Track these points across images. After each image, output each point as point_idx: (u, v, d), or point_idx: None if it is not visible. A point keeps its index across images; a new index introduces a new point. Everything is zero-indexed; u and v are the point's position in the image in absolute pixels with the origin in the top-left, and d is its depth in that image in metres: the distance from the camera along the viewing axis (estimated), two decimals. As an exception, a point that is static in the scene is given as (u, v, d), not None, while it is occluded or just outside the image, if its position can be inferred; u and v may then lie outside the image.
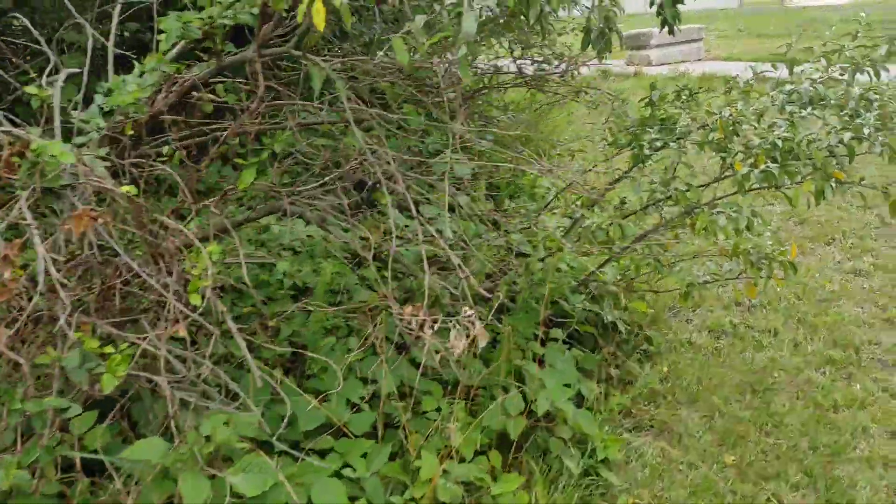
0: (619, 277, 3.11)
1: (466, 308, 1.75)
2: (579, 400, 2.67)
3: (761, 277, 2.65)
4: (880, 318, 3.51)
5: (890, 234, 4.50)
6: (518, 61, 5.55)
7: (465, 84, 1.52)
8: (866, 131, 2.21)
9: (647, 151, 2.51)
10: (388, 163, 2.10)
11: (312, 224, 2.35)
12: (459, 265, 1.82)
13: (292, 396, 2.02)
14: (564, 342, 2.85)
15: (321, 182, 2.08)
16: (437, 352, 1.77)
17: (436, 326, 1.73)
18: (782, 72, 2.70)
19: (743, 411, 2.77)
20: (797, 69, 2.59)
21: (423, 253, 1.88)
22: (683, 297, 2.74)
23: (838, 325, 3.44)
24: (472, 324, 1.72)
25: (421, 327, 1.74)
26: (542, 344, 2.78)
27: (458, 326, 1.73)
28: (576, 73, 5.67)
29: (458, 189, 3.12)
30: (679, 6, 3.42)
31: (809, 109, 2.37)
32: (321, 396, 2.09)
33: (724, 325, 3.45)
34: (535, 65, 5.59)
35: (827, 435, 2.63)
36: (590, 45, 2.25)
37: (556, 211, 3.25)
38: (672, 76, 11.80)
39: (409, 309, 1.79)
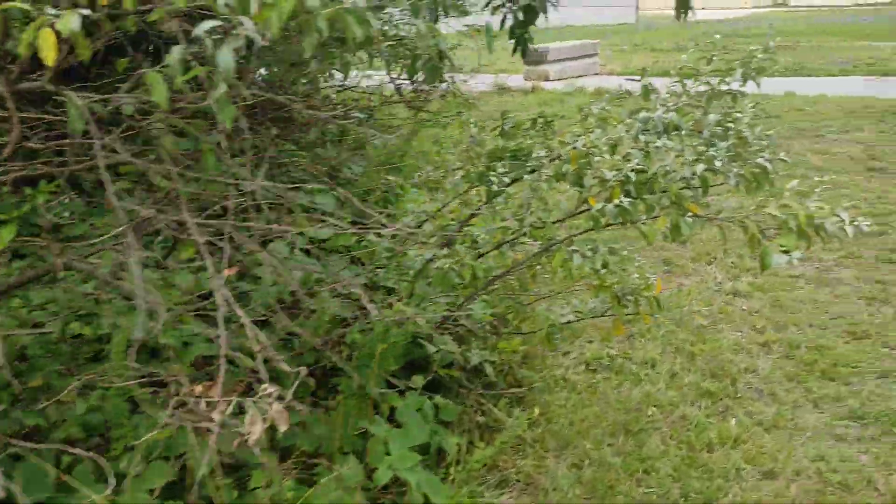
0: (489, 314, 2.91)
1: (266, 385, 1.48)
2: (440, 457, 2.44)
3: (627, 314, 2.50)
4: (757, 342, 3.44)
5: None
6: (396, 81, 5.34)
7: (228, 123, 1.26)
8: (718, 163, 2.07)
9: (495, 187, 2.31)
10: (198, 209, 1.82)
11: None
12: (257, 336, 1.55)
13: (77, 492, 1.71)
14: (427, 389, 2.63)
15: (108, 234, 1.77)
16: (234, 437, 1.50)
17: (228, 409, 1.46)
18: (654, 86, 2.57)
19: (614, 457, 2.60)
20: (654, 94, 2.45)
21: (220, 315, 1.60)
22: (546, 340, 2.56)
23: (716, 352, 3.34)
24: (272, 404, 1.46)
25: (212, 410, 1.47)
26: (402, 394, 2.55)
27: (254, 407, 1.46)
28: (457, 92, 5.51)
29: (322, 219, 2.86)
30: (534, 25, 3.29)
31: (664, 139, 2.22)
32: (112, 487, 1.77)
33: (602, 357, 3.30)
34: (415, 84, 5.39)
35: (699, 480, 2.48)
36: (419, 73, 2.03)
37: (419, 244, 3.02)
38: (568, 91, 11.90)
39: (199, 387, 1.52)
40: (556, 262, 2.20)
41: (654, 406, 2.91)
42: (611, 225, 2.20)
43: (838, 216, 2.03)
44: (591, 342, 3.43)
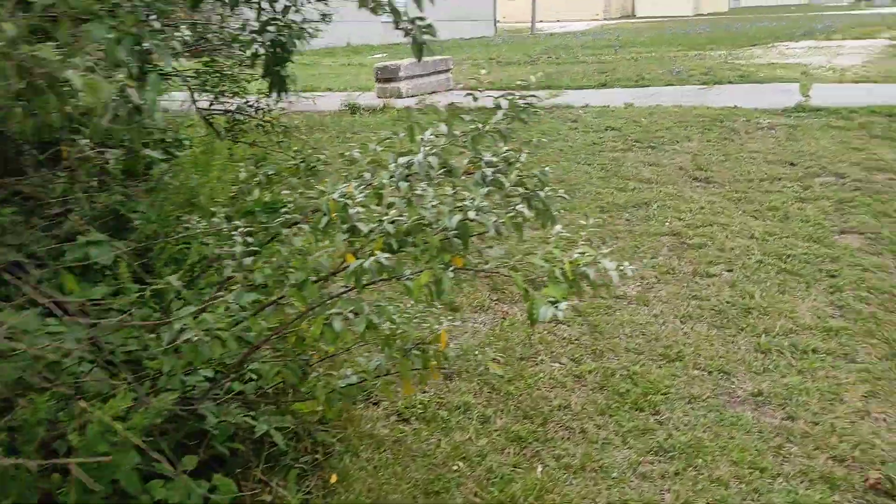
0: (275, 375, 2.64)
1: None
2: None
3: (414, 371, 2.31)
4: (573, 374, 3.36)
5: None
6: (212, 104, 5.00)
7: None
8: (472, 214, 1.91)
9: (241, 248, 2.07)
10: None
11: None
12: None
13: None
14: (205, 468, 2.34)
15: None
16: None
17: None
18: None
19: (412, 525, 2.41)
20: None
21: None
22: (328, 407, 2.33)
23: (532, 388, 3.23)
24: None
25: None
26: (169, 480, 2.24)
27: None
28: (274, 117, 5.22)
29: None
30: (428, 36, 3.06)
31: (425, 185, 2.04)
32: None
33: (415, 404, 3.12)
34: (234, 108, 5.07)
35: (499, 543, 2.33)
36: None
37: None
38: (420, 109, 11.82)
39: None
40: (314, 330, 1.97)
41: (462, 459, 2.75)
42: (372, 283, 2.00)
43: (601, 263, 1.92)
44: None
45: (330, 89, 15.72)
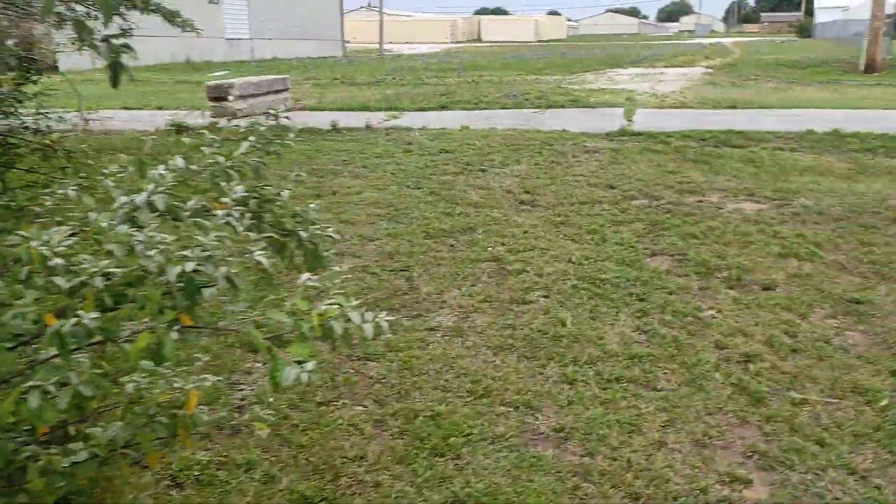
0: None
1: None
2: None
3: (159, 439, 1.99)
4: (374, 418, 3.13)
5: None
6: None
7: None
8: (194, 264, 1.64)
9: None
10: None
11: None
12: None
13: None
14: None
15: None
16: None
17: None
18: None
19: None
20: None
21: None
22: (47, 494, 1.96)
23: (327, 438, 2.97)
24: None
25: None
26: None
27: None
28: (53, 140, 4.68)
29: None
30: (129, 56, 2.67)
31: (148, 229, 1.74)
32: None
33: (192, 465, 2.77)
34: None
35: None
36: None
37: None
38: (248, 129, 11.27)
39: None
40: (6, 407, 1.62)
41: (234, 532, 2.44)
42: (78, 349, 1.67)
43: (349, 316, 1.70)
44: (175, 450, 2.86)
45: (161, 108, 14.83)
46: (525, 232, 5.80)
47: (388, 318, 1.74)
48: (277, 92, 14.31)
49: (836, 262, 4.96)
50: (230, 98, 13.25)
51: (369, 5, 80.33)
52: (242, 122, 12.06)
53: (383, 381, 3.47)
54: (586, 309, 4.26)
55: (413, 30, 77.25)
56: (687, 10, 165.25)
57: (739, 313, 4.16)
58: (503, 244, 5.49)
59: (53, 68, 6.57)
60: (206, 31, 31.83)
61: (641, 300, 4.37)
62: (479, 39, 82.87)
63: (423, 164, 8.37)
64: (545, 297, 4.49)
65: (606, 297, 4.43)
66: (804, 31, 73.91)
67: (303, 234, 2.00)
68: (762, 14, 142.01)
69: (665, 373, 3.49)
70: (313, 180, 7.59)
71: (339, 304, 1.69)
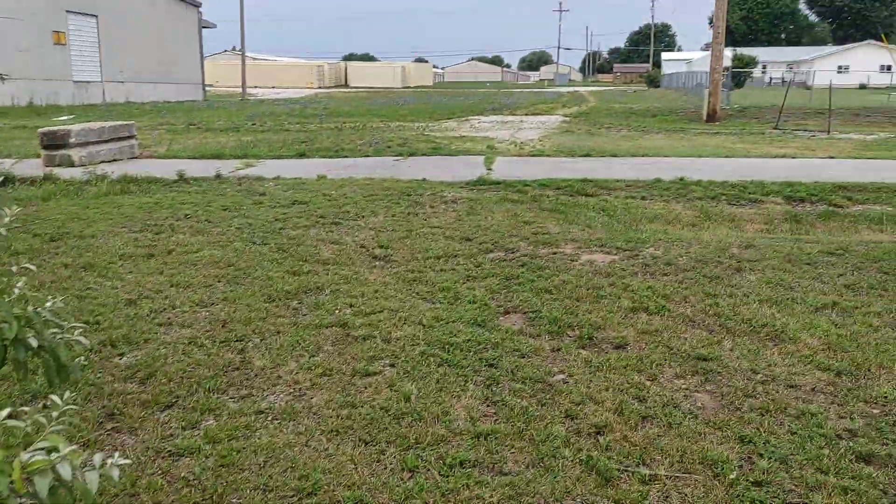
0: None
1: None
2: None
3: None
4: (177, 535, 2.67)
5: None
6: None
7: None
8: None
9: None
10: None
11: None
12: None
13: None
14: None
15: None
16: None
17: None
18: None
19: None
20: None
21: None
22: None
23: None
24: None
25: None
26: None
27: None
28: None
29: None
30: None
31: None
32: None
33: None
34: None
35: None
36: None
37: None
38: (84, 179, 10.34)
39: None
40: None
41: None
42: None
43: (61, 469, 1.29)
44: None
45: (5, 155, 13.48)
46: (375, 291, 5.48)
47: (122, 461, 1.34)
48: (122, 139, 13.40)
49: (683, 316, 4.95)
50: (67, 146, 12.25)
51: (234, 49, 79.12)
52: (81, 172, 11.10)
53: (195, 482, 2.99)
54: (433, 379, 3.96)
55: (279, 74, 76.46)
56: (547, 60, 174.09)
57: (591, 377, 4.00)
58: (351, 306, 5.13)
59: None
60: (51, 73, 30.23)
61: (492, 366, 4.13)
62: (346, 85, 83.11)
63: (273, 218, 7.91)
64: (391, 366, 4.16)
65: (456, 363, 4.16)
66: (653, 81, 79.47)
67: (33, 341, 1.57)
68: (615, 65, 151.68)
69: (512, 452, 3.22)
70: (148, 238, 6.95)
71: (53, 449, 1.28)
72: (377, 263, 6.30)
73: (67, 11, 34.21)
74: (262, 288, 5.52)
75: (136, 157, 13.67)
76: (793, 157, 13.81)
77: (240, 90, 47.47)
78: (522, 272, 5.96)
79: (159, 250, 6.42)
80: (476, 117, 26.05)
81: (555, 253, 6.64)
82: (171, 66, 41.96)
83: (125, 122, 13.85)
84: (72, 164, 12.03)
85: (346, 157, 13.72)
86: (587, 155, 14.03)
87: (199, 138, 17.57)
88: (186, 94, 42.72)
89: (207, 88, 46.84)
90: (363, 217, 8.08)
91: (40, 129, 12.38)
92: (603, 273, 5.97)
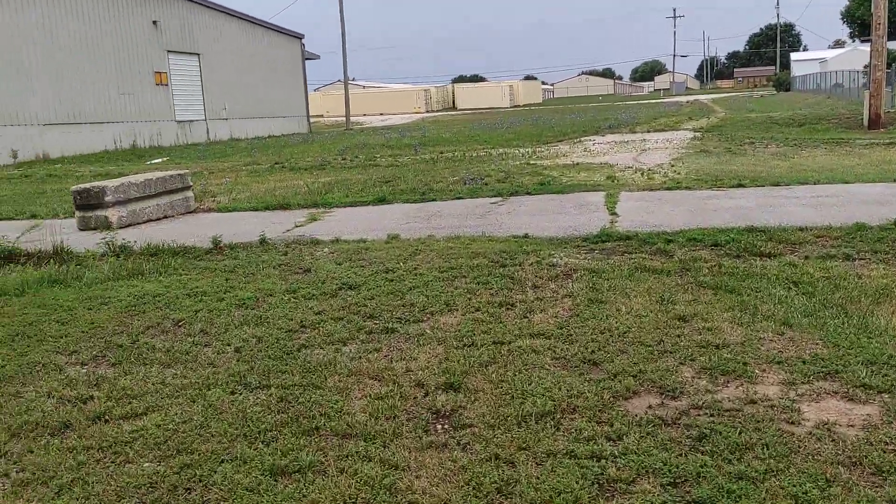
0: None
1: None
2: None
3: None
4: None
5: None
6: None
7: None
8: None
9: None
10: None
11: None
12: None
13: None
14: None
15: None
16: None
17: None
18: None
19: None
20: None
21: None
22: None
23: None
24: None
25: None
26: None
27: None
28: None
29: None
30: None
31: None
32: None
33: None
34: None
35: None
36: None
37: None
38: (101, 252, 8.19)
39: None
40: None
41: None
42: None
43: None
44: None
45: (36, 216, 11.89)
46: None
47: None
48: (172, 192, 11.46)
49: None
50: (103, 205, 10.38)
51: (352, 79, 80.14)
52: (128, 234, 9.05)
53: None
54: None
55: (387, 101, 75.99)
56: (660, 70, 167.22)
57: None
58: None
59: None
60: (153, 115, 29.36)
61: None
62: (453, 107, 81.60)
63: (300, 323, 5.39)
64: None
65: None
66: (782, 84, 73.16)
67: None
68: (735, 70, 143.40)
69: None
70: (91, 378, 4.57)
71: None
72: (436, 433, 3.63)
73: (169, 52, 34.01)
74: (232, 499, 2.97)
75: (191, 212, 11.72)
76: None
77: (339, 119, 46.48)
78: (706, 463, 3.13)
79: (85, 414, 3.95)
80: (590, 138, 23.05)
81: (752, 400, 3.74)
82: (275, 100, 41.39)
83: (178, 172, 11.93)
84: (108, 227, 10.12)
85: (433, 199, 11.22)
86: (739, 185, 10.88)
87: (276, 180, 15.63)
88: (291, 127, 42.02)
89: (318, 119, 46.12)
90: (431, 315, 5.44)
91: (73, 188, 10.59)
92: (866, 464, 3.03)
